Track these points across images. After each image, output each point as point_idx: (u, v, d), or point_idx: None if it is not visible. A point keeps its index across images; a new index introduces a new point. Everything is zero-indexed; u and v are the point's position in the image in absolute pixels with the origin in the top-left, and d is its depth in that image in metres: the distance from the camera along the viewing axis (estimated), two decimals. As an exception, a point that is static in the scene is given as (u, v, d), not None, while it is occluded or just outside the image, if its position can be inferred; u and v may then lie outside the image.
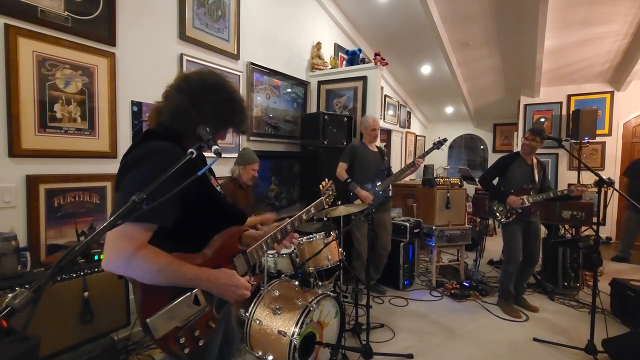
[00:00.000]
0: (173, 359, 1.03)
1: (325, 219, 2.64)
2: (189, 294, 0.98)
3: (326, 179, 1.63)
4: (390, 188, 3.33)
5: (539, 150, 2.97)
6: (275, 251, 2.37)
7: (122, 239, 0.85)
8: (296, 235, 1.38)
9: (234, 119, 1.07)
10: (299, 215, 1.37)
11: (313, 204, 1.46)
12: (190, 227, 1.01)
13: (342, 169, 3.13)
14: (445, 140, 3.15)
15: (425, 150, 3.12)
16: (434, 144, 3.13)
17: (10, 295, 0.64)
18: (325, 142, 3.51)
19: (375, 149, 3.28)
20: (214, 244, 1.05)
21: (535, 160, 3.00)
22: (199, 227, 1.03)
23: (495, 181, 3.12)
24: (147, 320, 0.90)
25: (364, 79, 3.75)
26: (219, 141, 0.99)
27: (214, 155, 0.87)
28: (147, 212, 0.75)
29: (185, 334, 0.96)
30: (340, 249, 2.51)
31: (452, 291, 3.36)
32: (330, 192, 1.59)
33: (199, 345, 1.00)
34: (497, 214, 2.98)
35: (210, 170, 1.14)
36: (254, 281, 1.16)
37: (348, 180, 3.06)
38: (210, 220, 1.07)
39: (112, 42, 2.24)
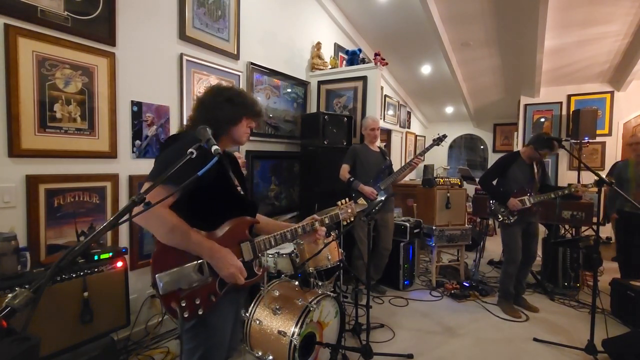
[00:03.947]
0: (185, 331, 1.17)
1: (325, 230, 2.64)
2: (196, 262, 1.11)
3: (346, 199, 1.56)
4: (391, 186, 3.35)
5: None
6: (275, 251, 2.37)
7: (150, 195, 0.96)
8: (322, 230, 1.46)
9: (241, 107, 1.27)
10: (312, 222, 1.43)
11: (329, 214, 1.48)
12: (207, 211, 1.17)
13: (344, 171, 3.18)
14: (445, 136, 3.13)
15: (425, 147, 3.12)
16: (433, 140, 3.13)
17: (10, 295, 0.64)
18: (325, 142, 3.51)
19: (377, 149, 3.30)
20: (225, 227, 1.20)
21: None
22: (214, 210, 1.19)
23: (495, 181, 3.11)
24: (157, 275, 1.05)
25: (364, 79, 3.74)
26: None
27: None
28: (168, 177, 0.91)
29: (187, 298, 1.09)
30: (340, 249, 2.51)
31: (452, 291, 3.36)
32: (350, 211, 1.53)
33: (198, 314, 1.12)
34: (500, 216, 2.95)
35: (238, 175, 1.35)
36: (259, 271, 1.27)
37: (351, 180, 3.09)
38: (225, 208, 1.22)
39: (112, 42, 2.24)
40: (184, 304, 1.08)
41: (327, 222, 1.46)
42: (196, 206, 1.14)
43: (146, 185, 0.96)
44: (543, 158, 2.91)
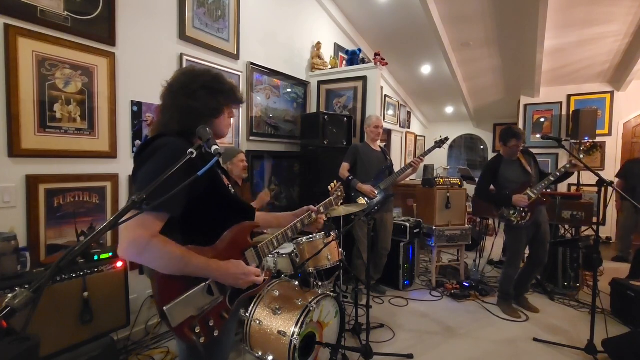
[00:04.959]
0: (189, 350, 1.08)
1: (325, 218, 2.64)
2: (203, 284, 1.03)
3: (335, 181, 1.66)
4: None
5: (537, 150, 2.94)
6: (276, 251, 2.37)
7: (135, 227, 0.87)
8: (322, 217, 1.45)
9: (221, 95, 1.10)
10: (309, 213, 1.41)
11: (323, 203, 1.49)
12: (203, 221, 1.06)
13: (344, 169, 3.16)
14: (447, 139, 3.14)
15: (427, 149, 3.12)
16: (435, 142, 3.13)
17: (10, 295, 0.64)
18: (325, 142, 3.51)
19: (378, 149, 3.29)
20: (226, 237, 1.09)
21: (518, 154, 2.94)
22: (211, 221, 1.08)
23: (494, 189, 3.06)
24: (165, 308, 0.95)
25: (363, 79, 3.74)
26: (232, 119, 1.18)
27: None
28: (160, 204, 0.80)
29: (200, 323, 1.01)
30: (340, 249, 2.51)
31: (452, 291, 3.36)
32: (339, 194, 1.61)
33: (214, 336, 1.04)
34: (512, 219, 2.83)
35: (223, 170, 1.22)
36: (266, 276, 1.20)
37: (349, 178, 3.08)
38: (221, 215, 1.11)
39: (111, 42, 2.24)
40: (198, 330, 1.00)
41: (322, 210, 1.46)
42: (192, 219, 1.03)
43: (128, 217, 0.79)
44: (518, 149, 2.87)
